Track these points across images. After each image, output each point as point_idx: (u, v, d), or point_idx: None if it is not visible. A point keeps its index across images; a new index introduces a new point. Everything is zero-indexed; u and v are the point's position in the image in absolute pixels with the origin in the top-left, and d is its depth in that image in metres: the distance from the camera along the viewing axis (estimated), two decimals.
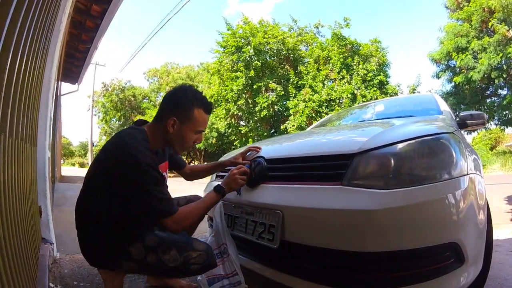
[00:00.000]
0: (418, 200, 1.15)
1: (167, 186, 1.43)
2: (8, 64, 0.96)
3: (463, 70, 17.64)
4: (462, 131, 2.11)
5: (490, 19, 16.50)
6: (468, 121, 2.12)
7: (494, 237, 2.87)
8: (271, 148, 1.90)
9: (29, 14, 1.21)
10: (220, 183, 1.58)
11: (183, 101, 1.45)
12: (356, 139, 1.48)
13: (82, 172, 26.05)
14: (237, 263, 1.56)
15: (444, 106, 2.32)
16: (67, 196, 7.04)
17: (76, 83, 9.50)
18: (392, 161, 1.24)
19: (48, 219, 2.31)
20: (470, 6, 17.63)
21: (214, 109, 19.45)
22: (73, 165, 57.80)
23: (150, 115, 27.42)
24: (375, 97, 15.90)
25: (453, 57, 17.77)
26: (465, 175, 1.29)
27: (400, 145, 1.28)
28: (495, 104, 18.91)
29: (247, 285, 1.59)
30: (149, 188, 1.29)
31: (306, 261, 1.35)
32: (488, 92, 19.22)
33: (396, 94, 16.81)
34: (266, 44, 18.02)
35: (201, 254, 1.37)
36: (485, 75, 16.41)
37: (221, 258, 1.59)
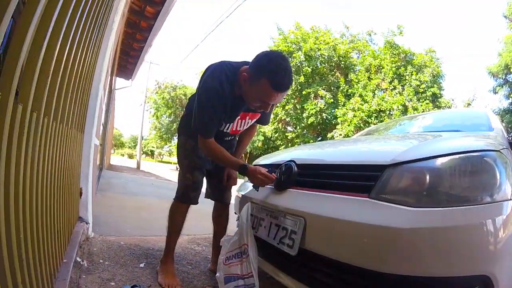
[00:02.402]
0: (452, 223, 1.03)
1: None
2: (56, 54, 1.05)
3: None
4: None
5: None
6: None
7: None
8: (303, 153, 1.87)
9: (83, 14, 1.32)
10: (249, 166, 1.68)
11: (259, 65, 1.47)
12: (391, 150, 1.41)
13: (130, 163, 27.35)
14: (255, 266, 1.54)
15: (496, 123, 2.14)
16: (111, 182, 7.42)
17: (130, 79, 10.02)
18: (428, 177, 1.13)
19: (87, 200, 2.45)
20: None
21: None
22: (122, 155, 60.94)
23: None
24: (427, 110, 15.15)
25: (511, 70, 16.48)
26: (508, 200, 1.13)
27: (438, 160, 1.17)
28: None
29: None
30: (200, 106, 1.63)
31: (322, 273, 1.30)
32: None
33: (449, 108, 15.90)
34: (317, 50, 17.87)
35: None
36: None
37: (240, 258, 1.58)
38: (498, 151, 1.25)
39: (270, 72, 1.43)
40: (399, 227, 1.04)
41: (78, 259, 1.81)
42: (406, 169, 1.19)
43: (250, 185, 1.88)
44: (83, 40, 1.47)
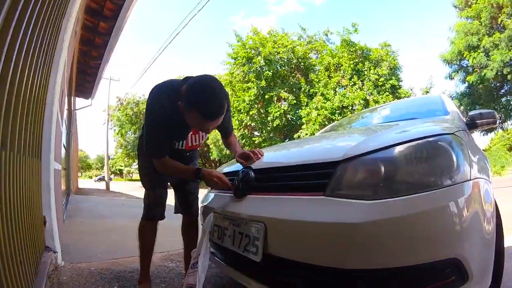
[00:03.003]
0: (413, 211, 1.02)
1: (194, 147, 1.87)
2: (8, 82, 1.00)
3: (476, 69, 17.36)
4: (478, 132, 1.95)
5: (499, 14, 16.28)
6: (477, 121, 1.97)
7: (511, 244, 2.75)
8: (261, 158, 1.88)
9: (26, 35, 1.27)
10: (203, 169, 1.69)
11: (188, 98, 1.46)
12: (342, 146, 1.41)
13: (99, 185, 26.52)
14: (201, 277, 1.56)
15: (451, 107, 2.20)
16: (80, 207, 7.16)
17: (90, 98, 9.74)
18: (382, 168, 1.12)
19: (52, 228, 2.33)
20: (479, 3, 17.47)
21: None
22: (90, 177, 58.88)
23: None
24: (388, 102, 15.71)
25: (465, 56, 17.50)
26: (468, 180, 1.15)
27: (391, 150, 1.16)
28: (511, 103, 18.44)
29: None
30: (147, 131, 1.67)
31: (289, 276, 1.28)
32: (502, 91, 18.78)
33: (409, 97, 16.58)
34: (276, 53, 18.10)
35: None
36: (498, 73, 16.06)
37: (194, 268, 1.60)
38: (452, 133, 1.27)
39: (198, 104, 1.43)
40: (357, 222, 1.03)
41: None
42: (359, 163, 1.18)
43: (212, 195, 1.91)
44: (30, 62, 1.41)
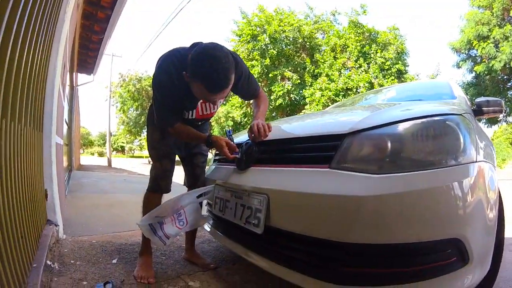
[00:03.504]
0: (417, 187, 1.02)
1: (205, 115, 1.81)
2: (9, 53, 0.98)
3: (484, 60, 17.04)
4: (482, 123, 1.93)
5: None
6: (484, 108, 1.95)
7: (510, 235, 2.76)
8: None
9: (28, 6, 1.24)
10: (213, 137, 1.69)
11: (193, 69, 1.40)
12: (349, 119, 1.40)
13: (101, 161, 26.74)
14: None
15: (458, 92, 2.17)
16: (82, 183, 7.19)
17: (92, 74, 9.66)
18: (389, 143, 1.11)
19: (54, 202, 2.35)
20: None
21: (230, 98, 19.47)
22: (92, 154, 59.27)
23: None
24: None
25: (474, 46, 17.17)
26: (473, 162, 1.15)
27: (398, 126, 1.15)
28: None
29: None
30: (155, 102, 1.69)
31: (290, 249, 1.28)
32: (510, 84, 18.54)
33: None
34: (281, 32, 17.85)
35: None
36: (507, 65, 15.80)
37: (172, 219, 1.69)
38: (461, 114, 1.26)
39: (203, 76, 1.37)
40: (362, 195, 1.03)
41: (48, 262, 1.76)
42: (365, 137, 1.18)
43: (214, 167, 1.96)
44: (31, 33, 1.38)
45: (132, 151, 63.31)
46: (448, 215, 1.03)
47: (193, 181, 2.05)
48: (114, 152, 57.85)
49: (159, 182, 1.90)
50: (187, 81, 1.48)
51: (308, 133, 1.40)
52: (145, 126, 1.90)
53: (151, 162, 1.96)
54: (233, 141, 1.69)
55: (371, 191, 1.03)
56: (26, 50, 1.35)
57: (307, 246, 1.20)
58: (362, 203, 1.03)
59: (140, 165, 24.59)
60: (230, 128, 1.65)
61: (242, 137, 1.89)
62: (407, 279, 1.04)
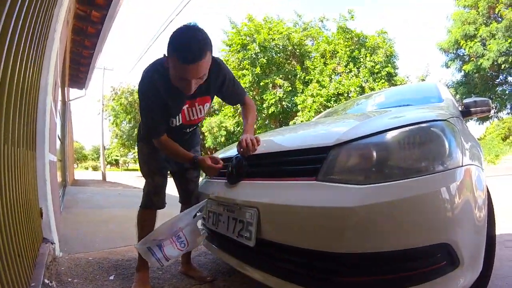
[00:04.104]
0: (404, 196, 1.03)
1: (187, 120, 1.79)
2: (0, 72, 0.99)
3: (472, 58, 17.35)
4: (473, 121, 1.95)
5: (497, 4, 16.18)
6: (472, 109, 1.99)
7: (505, 231, 2.79)
8: None
9: (17, 25, 1.25)
10: (199, 158, 1.73)
11: (168, 45, 1.43)
12: (335, 131, 1.42)
13: (95, 175, 26.51)
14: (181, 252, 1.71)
15: (446, 94, 2.21)
16: (77, 198, 7.13)
17: (84, 88, 9.66)
18: (374, 153, 1.14)
19: (49, 220, 2.34)
20: None
21: (223, 108, 19.49)
22: (86, 168, 58.80)
23: None
24: (384, 89, 15.71)
25: (461, 45, 17.46)
26: (460, 166, 1.17)
27: (383, 135, 1.17)
28: (506, 92, 18.52)
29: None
30: (141, 112, 1.72)
31: (282, 260, 1.29)
32: (498, 80, 18.83)
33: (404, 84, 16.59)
34: (271, 40, 17.96)
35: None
36: (495, 63, 16.07)
37: (173, 241, 1.68)
38: (446, 120, 1.28)
39: (175, 48, 1.40)
40: (349, 206, 1.04)
41: (46, 280, 1.77)
42: (351, 148, 1.19)
43: (207, 182, 1.97)
44: (21, 54, 1.39)
45: (127, 164, 62.91)
46: (436, 221, 1.04)
47: (186, 196, 2.06)
48: (108, 165, 57.46)
49: (151, 198, 1.89)
50: (169, 66, 1.49)
51: (295, 146, 1.42)
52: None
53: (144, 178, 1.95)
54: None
55: (358, 202, 1.04)
56: (17, 70, 1.36)
57: (299, 257, 1.22)
58: (349, 214, 1.04)
59: (134, 178, 24.43)
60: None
61: (231, 151, 1.91)
62: (399, 285, 1.05)
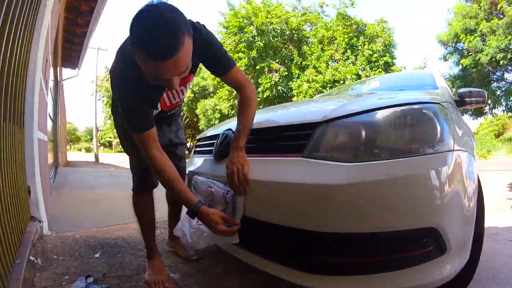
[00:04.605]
0: (391, 176, 1.00)
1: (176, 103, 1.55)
2: None
3: (470, 53, 17.25)
4: (468, 112, 1.89)
5: (499, 0, 16.03)
6: (466, 98, 1.96)
7: (493, 224, 2.83)
8: None
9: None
10: (202, 207, 1.30)
11: (130, 36, 1.04)
12: (323, 108, 1.38)
13: (88, 157, 26.42)
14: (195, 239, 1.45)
15: (441, 83, 2.15)
16: (68, 179, 7.14)
17: (77, 68, 9.50)
18: (363, 131, 1.10)
19: (37, 198, 2.33)
20: None
21: (218, 91, 19.39)
22: (80, 150, 58.56)
23: None
24: None
25: (461, 39, 17.35)
26: (451, 150, 1.13)
27: (374, 114, 1.14)
28: (503, 89, 18.57)
29: None
30: (122, 114, 1.35)
31: (265, 239, 1.27)
32: (495, 76, 18.85)
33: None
34: (269, 24, 17.76)
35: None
36: (493, 59, 16.03)
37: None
38: (438, 103, 1.24)
39: (139, 41, 1.01)
40: (333, 184, 1.02)
41: (31, 258, 1.76)
42: (339, 125, 1.16)
43: (194, 159, 1.93)
44: (9, 26, 1.35)
45: (120, 146, 62.68)
46: (424, 204, 1.02)
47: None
48: (102, 147, 57.24)
49: (142, 178, 1.71)
50: (136, 61, 1.08)
51: (283, 122, 1.37)
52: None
53: (129, 158, 1.74)
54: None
55: (344, 179, 1.02)
56: (4, 43, 1.32)
57: (283, 236, 1.20)
58: (334, 192, 1.02)
59: (127, 160, 24.35)
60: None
61: (221, 128, 1.84)
62: (385, 268, 1.04)
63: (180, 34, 1.00)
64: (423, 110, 1.17)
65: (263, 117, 1.57)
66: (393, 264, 1.04)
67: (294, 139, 1.24)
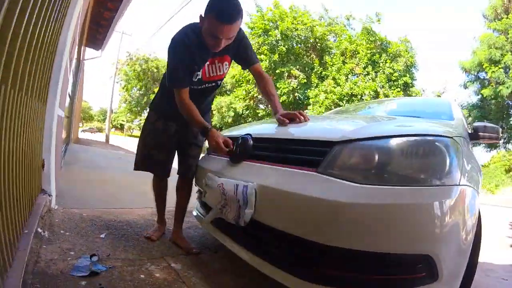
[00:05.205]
0: (397, 201, 1.06)
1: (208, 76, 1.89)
2: (24, 23, 1.01)
3: (492, 84, 17.00)
4: (482, 147, 1.89)
5: None
6: (480, 133, 1.94)
7: (489, 260, 2.82)
8: (262, 127, 1.93)
9: None
10: (212, 130, 1.75)
11: (207, 5, 1.60)
12: (342, 128, 1.45)
13: (99, 137, 26.68)
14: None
15: (458, 114, 2.18)
16: (78, 157, 7.24)
17: (100, 50, 9.62)
18: (376, 156, 1.17)
19: (50, 172, 2.39)
20: (509, 18, 16.85)
21: (235, 89, 19.47)
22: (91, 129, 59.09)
23: None
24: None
25: (484, 68, 17.10)
26: (456, 185, 1.18)
27: (388, 140, 1.20)
28: None
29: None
30: (169, 60, 1.79)
31: (271, 244, 1.36)
32: None
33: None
34: (294, 30, 17.83)
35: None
36: None
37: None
38: (451, 138, 1.29)
39: (215, 7, 1.56)
40: (343, 201, 1.07)
41: (39, 229, 1.80)
42: (355, 147, 1.22)
43: (209, 158, 2.03)
44: (44, 7, 1.41)
45: (131, 130, 63.24)
46: (423, 232, 1.07)
47: (184, 170, 2.12)
48: (113, 129, 57.84)
49: (160, 168, 2.11)
50: (201, 24, 1.66)
51: (301, 136, 1.45)
52: (147, 108, 1.97)
53: (139, 143, 2.14)
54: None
55: (353, 198, 1.07)
56: (40, 23, 1.37)
57: (286, 243, 1.27)
58: (342, 209, 1.07)
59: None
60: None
61: (238, 131, 1.94)
62: (377, 286, 1.10)
63: (240, 13, 1.59)
64: (436, 143, 1.22)
65: (284, 129, 1.64)
66: (386, 285, 1.10)
67: (310, 154, 1.30)
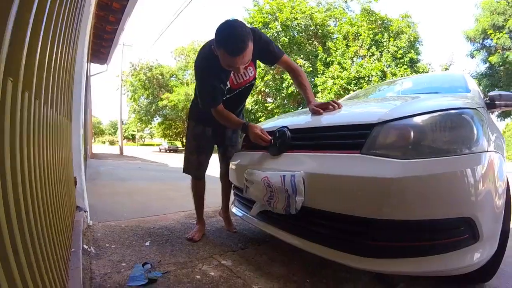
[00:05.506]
0: (436, 171, 1.15)
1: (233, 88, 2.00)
2: (42, 32, 1.03)
3: (498, 50, 16.66)
4: (495, 113, 2.00)
5: None
6: (496, 101, 2.01)
7: None
8: (296, 119, 1.98)
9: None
10: (250, 124, 1.87)
11: (215, 40, 1.67)
12: (377, 111, 1.52)
13: (112, 149, 26.96)
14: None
15: (472, 85, 2.26)
16: (99, 171, 7.37)
17: (105, 64, 9.73)
18: (412, 133, 1.26)
19: (82, 189, 2.45)
20: None
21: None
22: (104, 143, 59.95)
23: (177, 93, 28.49)
24: (405, 75, 15.37)
25: (489, 35, 16.75)
26: (485, 151, 1.27)
27: (420, 118, 1.29)
28: None
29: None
30: (198, 86, 1.97)
31: (324, 227, 1.44)
32: None
33: (427, 73, 16.17)
34: (293, 19, 17.74)
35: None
36: None
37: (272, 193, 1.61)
38: (475, 109, 1.39)
39: (221, 43, 1.64)
40: (389, 177, 1.16)
41: (85, 246, 1.85)
42: (392, 127, 1.31)
43: (242, 154, 2.11)
44: (59, 28, 1.44)
45: (143, 139, 63.91)
46: (461, 197, 1.16)
47: (225, 159, 2.36)
48: (125, 140, 58.56)
49: (197, 171, 2.28)
50: (216, 55, 1.72)
51: (341, 122, 1.53)
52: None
53: (186, 150, 2.32)
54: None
55: (397, 173, 1.15)
56: (60, 43, 1.40)
57: (338, 224, 1.37)
58: (390, 184, 1.16)
59: (151, 153, 24.84)
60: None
61: (272, 123, 2.01)
62: (426, 252, 1.19)
63: (247, 39, 1.63)
64: (462, 115, 1.32)
65: (321, 117, 1.73)
66: (432, 249, 1.19)
67: (352, 138, 1.39)
